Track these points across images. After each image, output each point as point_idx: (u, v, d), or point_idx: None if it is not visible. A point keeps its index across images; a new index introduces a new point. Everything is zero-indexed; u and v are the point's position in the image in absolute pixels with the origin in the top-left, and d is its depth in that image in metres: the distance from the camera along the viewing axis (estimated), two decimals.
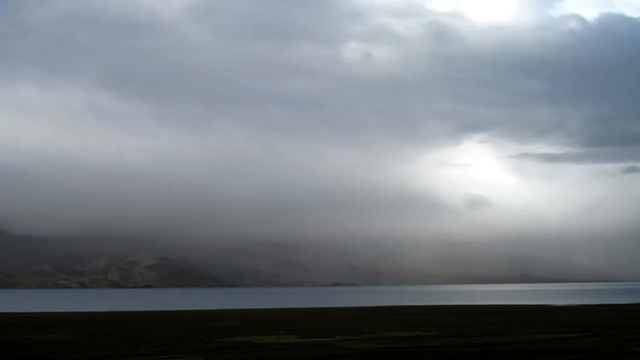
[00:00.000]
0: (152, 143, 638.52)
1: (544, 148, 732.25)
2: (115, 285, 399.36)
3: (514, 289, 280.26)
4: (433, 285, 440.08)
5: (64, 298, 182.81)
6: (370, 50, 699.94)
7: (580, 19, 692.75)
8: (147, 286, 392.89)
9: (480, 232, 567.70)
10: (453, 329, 51.99)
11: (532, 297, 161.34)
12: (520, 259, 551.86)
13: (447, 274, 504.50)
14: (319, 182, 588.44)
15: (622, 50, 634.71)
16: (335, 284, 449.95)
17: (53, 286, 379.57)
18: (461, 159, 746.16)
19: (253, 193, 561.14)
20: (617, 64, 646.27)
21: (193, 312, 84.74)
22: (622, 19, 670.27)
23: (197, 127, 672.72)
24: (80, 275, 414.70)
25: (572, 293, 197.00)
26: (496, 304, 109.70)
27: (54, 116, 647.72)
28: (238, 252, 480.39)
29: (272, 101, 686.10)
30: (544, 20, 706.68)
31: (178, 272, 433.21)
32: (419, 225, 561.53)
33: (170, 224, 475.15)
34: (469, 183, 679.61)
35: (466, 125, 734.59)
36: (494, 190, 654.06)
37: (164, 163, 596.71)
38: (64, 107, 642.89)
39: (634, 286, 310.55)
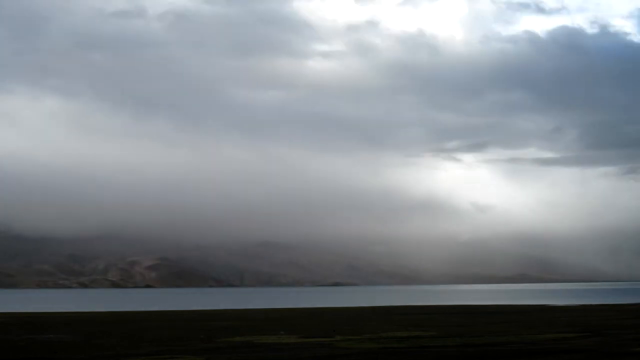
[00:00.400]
0: (154, 148, 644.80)
1: (532, 153, 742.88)
2: (115, 285, 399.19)
3: (513, 289, 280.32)
4: (433, 285, 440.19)
5: (64, 298, 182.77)
6: (350, 61, 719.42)
7: (533, 33, 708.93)
8: (147, 286, 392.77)
9: (480, 233, 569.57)
10: (453, 329, 51.99)
11: (532, 297, 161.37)
12: (518, 259, 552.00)
13: (448, 274, 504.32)
14: (318, 184, 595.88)
15: (585, 62, 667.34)
16: (335, 284, 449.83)
17: (53, 286, 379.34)
18: (456, 164, 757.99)
19: (253, 194, 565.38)
20: (582, 74, 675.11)
21: (193, 312, 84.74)
22: (578, 32, 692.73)
23: (196, 132, 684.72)
24: (80, 275, 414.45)
25: (572, 293, 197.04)
26: (496, 304, 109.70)
27: (54, 123, 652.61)
28: (238, 252, 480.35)
29: (264, 110, 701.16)
30: (503, 34, 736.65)
31: (178, 272, 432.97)
32: (419, 226, 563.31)
33: (170, 224, 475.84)
34: (465, 186, 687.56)
35: (455, 132, 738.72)
36: (492, 193, 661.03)
37: (165, 166, 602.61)
38: (61, 115, 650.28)
39: (633, 286, 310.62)
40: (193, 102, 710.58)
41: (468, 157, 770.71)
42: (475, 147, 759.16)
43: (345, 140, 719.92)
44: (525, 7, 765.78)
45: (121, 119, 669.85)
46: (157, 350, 38.40)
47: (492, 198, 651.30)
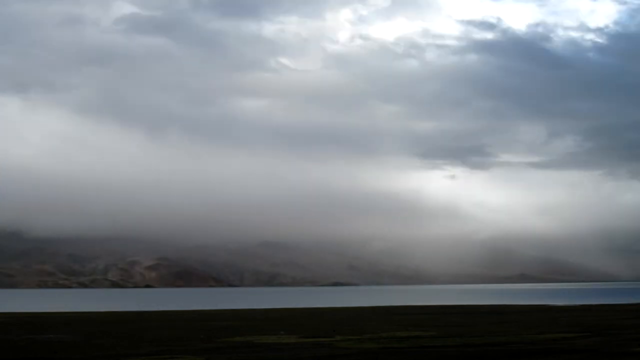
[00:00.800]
0: (154, 151, 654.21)
1: (520, 157, 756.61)
2: (115, 285, 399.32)
3: (514, 289, 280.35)
4: (433, 285, 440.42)
5: (64, 298, 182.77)
6: (335, 70, 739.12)
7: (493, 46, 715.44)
8: (147, 286, 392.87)
9: (480, 234, 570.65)
10: (453, 329, 51.97)
11: (532, 297, 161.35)
12: (518, 259, 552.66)
13: (448, 273, 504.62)
14: (318, 187, 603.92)
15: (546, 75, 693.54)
16: (335, 284, 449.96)
17: (53, 286, 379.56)
18: (455, 168, 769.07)
19: (253, 194, 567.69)
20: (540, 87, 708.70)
21: (193, 312, 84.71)
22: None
23: (196, 138, 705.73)
24: (80, 275, 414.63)
25: (573, 293, 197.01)
26: (496, 304, 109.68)
27: (57, 130, 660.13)
28: (238, 252, 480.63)
29: (259, 117, 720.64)
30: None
31: (178, 272, 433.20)
32: (419, 226, 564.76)
33: (170, 224, 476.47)
34: (465, 189, 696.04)
35: (444, 137, 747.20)
36: (492, 195, 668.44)
37: (164, 168, 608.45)
38: (63, 123, 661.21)
39: (634, 286, 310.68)
40: (190, 110, 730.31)
41: (467, 161, 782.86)
42: (473, 151, 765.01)
43: (343, 147, 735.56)
44: (480, 23, 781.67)
45: (124, 127, 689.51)
46: (157, 350, 38.38)
47: (493, 200, 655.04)
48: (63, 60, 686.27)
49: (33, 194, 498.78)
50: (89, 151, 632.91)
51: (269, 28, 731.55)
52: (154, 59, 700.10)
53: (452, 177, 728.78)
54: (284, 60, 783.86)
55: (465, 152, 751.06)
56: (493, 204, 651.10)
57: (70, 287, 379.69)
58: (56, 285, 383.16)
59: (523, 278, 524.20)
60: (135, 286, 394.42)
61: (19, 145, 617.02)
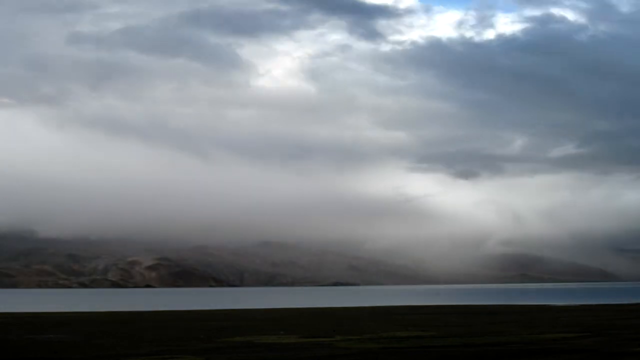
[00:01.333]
0: (154, 152, 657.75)
1: (518, 159, 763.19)
2: (115, 285, 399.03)
3: (513, 289, 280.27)
4: (433, 285, 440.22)
5: (64, 298, 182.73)
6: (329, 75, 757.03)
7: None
8: (147, 286, 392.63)
9: (480, 233, 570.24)
10: (453, 329, 51.96)
11: (532, 297, 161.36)
12: (518, 259, 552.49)
13: (448, 273, 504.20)
14: (319, 188, 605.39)
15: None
16: (335, 284, 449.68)
17: (53, 286, 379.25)
18: (447, 171, 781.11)
19: (253, 193, 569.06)
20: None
21: (193, 312, 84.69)
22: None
23: (198, 142, 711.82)
24: (80, 275, 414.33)
25: (572, 293, 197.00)
26: (496, 304, 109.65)
27: (57, 132, 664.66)
28: (238, 252, 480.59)
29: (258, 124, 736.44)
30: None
31: (178, 272, 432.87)
32: (419, 226, 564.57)
33: (170, 224, 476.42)
34: (463, 189, 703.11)
35: (439, 142, 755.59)
36: (490, 194, 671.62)
37: (164, 168, 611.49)
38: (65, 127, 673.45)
39: (633, 286, 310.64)
40: (189, 119, 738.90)
41: (465, 164, 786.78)
42: (471, 154, 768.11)
43: (343, 153, 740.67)
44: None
45: (124, 130, 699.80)
46: (157, 350, 38.38)
47: (492, 201, 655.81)
48: (63, 73, 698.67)
49: (33, 194, 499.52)
50: (89, 153, 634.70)
51: (243, 48, 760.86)
52: (147, 72, 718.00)
53: (457, 177, 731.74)
54: (257, 77, 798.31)
55: (462, 155, 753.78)
56: (493, 205, 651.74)
57: (70, 287, 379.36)
58: (56, 285, 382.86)
59: (523, 278, 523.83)
60: (135, 286, 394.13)
61: (19, 147, 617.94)
